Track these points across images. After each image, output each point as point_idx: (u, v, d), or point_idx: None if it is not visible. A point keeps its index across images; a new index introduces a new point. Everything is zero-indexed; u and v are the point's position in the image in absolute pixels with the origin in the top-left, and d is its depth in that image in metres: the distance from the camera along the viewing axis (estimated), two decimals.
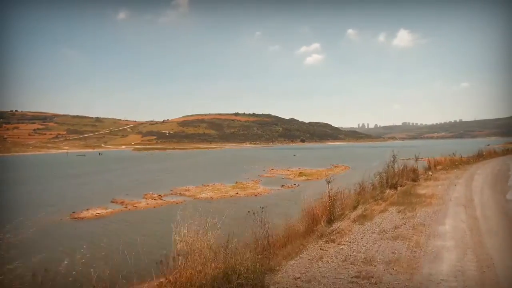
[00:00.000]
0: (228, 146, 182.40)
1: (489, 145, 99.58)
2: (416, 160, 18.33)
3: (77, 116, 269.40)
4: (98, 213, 18.90)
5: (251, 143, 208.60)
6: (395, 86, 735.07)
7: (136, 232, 14.17)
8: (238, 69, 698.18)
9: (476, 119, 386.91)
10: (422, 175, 17.63)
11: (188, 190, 25.98)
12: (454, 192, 12.56)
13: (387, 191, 12.50)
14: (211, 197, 22.90)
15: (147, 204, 21.21)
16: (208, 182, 29.89)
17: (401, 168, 16.18)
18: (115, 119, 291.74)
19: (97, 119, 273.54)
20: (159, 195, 24.29)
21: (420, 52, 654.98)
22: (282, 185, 28.04)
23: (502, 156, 32.54)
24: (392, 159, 15.11)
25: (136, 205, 20.99)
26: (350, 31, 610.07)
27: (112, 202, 22.43)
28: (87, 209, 19.72)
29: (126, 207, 20.51)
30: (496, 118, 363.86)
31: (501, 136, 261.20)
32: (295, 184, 28.63)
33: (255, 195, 23.53)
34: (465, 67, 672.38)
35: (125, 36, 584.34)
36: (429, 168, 20.67)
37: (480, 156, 29.93)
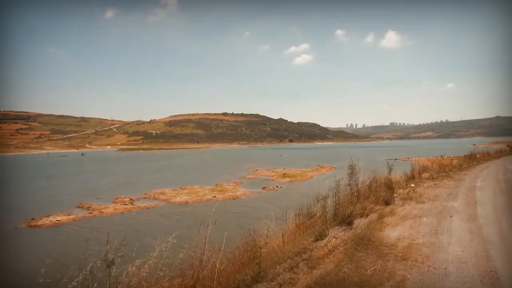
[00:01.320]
0: (216, 146, 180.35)
1: (474, 145, 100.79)
2: (390, 170, 12.57)
3: (62, 116, 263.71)
4: (58, 220, 17.25)
5: (239, 143, 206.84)
6: (383, 86, 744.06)
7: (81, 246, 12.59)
8: (227, 69, 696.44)
9: (462, 119, 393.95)
10: (400, 190, 11.78)
11: (164, 194, 24.45)
12: (450, 235, 6.36)
13: (329, 235, 6.60)
14: (186, 201, 21.43)
15: (115, 209, 19.58)
16: (187, 185, 28.42)
17: (369, 181, 10.47)
18: (101, 119, 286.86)
19: (83, 119, 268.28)
20: (131, 199, 22.71)
21: (408, 53, 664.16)
22: (264, 187, 26.72)
23: (497, 158, 27.97)
24: (352, 165, 9.58)
25: (102, 210, 19.37)
26: (339, 31, 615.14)
27: (78, 207, 20.83)
28: (48, 216, 18.12)
29: (91, 213, 18.87)
30: (480, 118, 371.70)
31: (486, 136, 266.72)
32: (277, 186, 27.34)
33: (234, 199, 22.14)
34: (451, 68, 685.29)
35: (112, 35, 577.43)
36: (412, 177, 15.35)
37: (472, 159, 25.18)
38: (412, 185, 12.85)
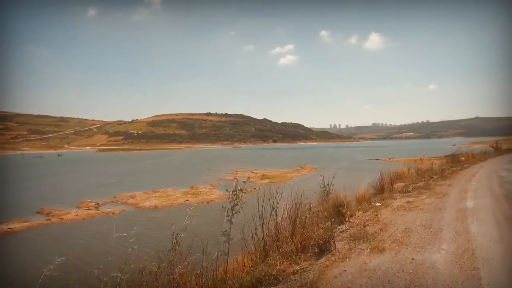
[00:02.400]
0: (199, 146, 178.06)
1: (454, 145, 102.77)
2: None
3: (40, 116, 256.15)
4: (10, 228, 15.74)
5: (223, 143, 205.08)
6: (367, 87, 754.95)
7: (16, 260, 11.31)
8: (211, 69, 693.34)
9: (442, 120, 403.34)
10: (358, 214, 8.25)
11: (134, 197, 23.07)
12: None
13: None
14: (155, 206, 20.13)
15: (76, 215, 18.13)
16: (161, 187, 27.09)
17: (308, 206, 6.95)
18: (80, 119, 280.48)
19: (62, 119, 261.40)
20: (97, 203, 21.25)
21: (390, 55, 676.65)
22: (241, 190, 25.58)
23: (483, 161, 24.31)
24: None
25: (63, 217, 17.90)
26: (323, 32, 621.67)
27: (38, 213, 19.28)
28: (2, 223, 16.52)
29: (49, 220, 17.39)
30: (460, 119, 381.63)
31: (465, 136, 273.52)
32: (255, 188, 26.15)
33: (207, 202, 20.98)
34: (432, 70, 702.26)
35: (94, 33, 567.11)
36: (381, 189, 12.23)
37: (456, 162, 22.04)
38: (377, 203, 9.34)
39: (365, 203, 9.60)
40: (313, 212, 6.97)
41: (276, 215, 6.05)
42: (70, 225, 16.58)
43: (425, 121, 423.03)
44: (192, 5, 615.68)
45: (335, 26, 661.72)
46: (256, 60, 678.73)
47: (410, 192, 11.16)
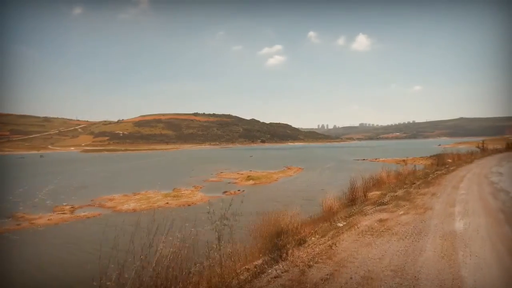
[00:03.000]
0: (186, 147, 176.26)
1: (440, 145, 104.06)
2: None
3: (23, 116, 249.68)
4: None
5: (210, 144, 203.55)
6: (354, 88, 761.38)
7: None
8: (199, 69, 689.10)
9: (428, 120, 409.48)
10: (311, 241, 6.11)
11: (112, 200, 22.20)
12: None
13: None
14: (133, 209, 19.31)
15: (49, 220, 17.21)
16: (141, 189, 26.20)
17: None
18: (65, 119, 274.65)
19: (45, 119, 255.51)
20: (73, 207, 20.34)
21: (377, 56, 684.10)
22: (225, 192, 24.99)
23: (470, 163, 22.27)
24: None
25: (34, 221, 16.98)
26: (311, 33, 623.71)
27: (9, 217, 18.19)
28: None
29: (19, 225, 16.41)
30: (445, 119, 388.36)
31: (450, 136, 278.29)
32: (239, 190, 25.68)
33: (188, 205, 20.27)
34: (418, 72, 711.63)
35: (80, 32, 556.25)
36: (351, 200, 10.11)
37: (441, 164, 20.24)
38: (340, 224, 7.17)
39: (325, 223, 7.36)
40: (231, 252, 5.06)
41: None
42: (41, 230, 15.67)
43: (411, 122, 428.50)
44: (181, 5, 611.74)
45: (323, 27, 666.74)
46: (244, 60, 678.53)
47: (386, 205, 8.97)
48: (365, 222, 7.32)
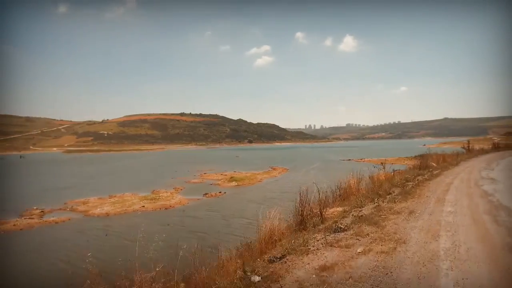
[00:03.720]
0: (172, 147, 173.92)
1: (424, 145, 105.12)
2: None
3: (4, 116, 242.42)
4: None
5: (197, 144, 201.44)
6: (341, 89, 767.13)
7: None
8: (186, 68, 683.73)
9: (413, 120, 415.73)
10: None
11: (86, 203, 21.15)
12: None
13: None
14: (106, 213, 18.37)
15: (14, 225, 16.17)
16: (119, 192, 25.22)
17: None
18: (48, 119, 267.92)
19: (28, 119, 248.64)
20: (42, 211, 19.28)
21: (364, 57, 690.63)
22: (205, 194, 24.16)
23: (456, 165, 19.60)
24: None
25: None
26: (298, 34, 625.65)
27: None
28: None
29: None
30: (430, 120, 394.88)
31: (435, 136, 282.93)
32: (220, 192, 24.90)
33: (166, 208, 19.44)
34: (403, 73, 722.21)
35: (64, 31, 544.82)
36: (299, 224, 7.52)
37: (424, 167, 17.40)
38: (257, 278, 4.49)
39: (236, 272, 4.80)
40: None
41: None
42: (1, 237, 14.61)
43: (396, 122, 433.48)
44: (168, 4, 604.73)
45: (311, 28, 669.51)
46: (232, 60, 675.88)
47: (343, 231, 6.43)
48: (299, 271, 4.67)
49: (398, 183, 11.99)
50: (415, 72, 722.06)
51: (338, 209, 9.21)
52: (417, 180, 12.90)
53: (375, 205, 8.64)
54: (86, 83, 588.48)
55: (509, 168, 17.53)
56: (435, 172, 15.50)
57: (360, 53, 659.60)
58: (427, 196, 9.69)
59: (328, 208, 8.77)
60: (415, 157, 47.68)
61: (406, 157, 47.79)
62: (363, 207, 8.59)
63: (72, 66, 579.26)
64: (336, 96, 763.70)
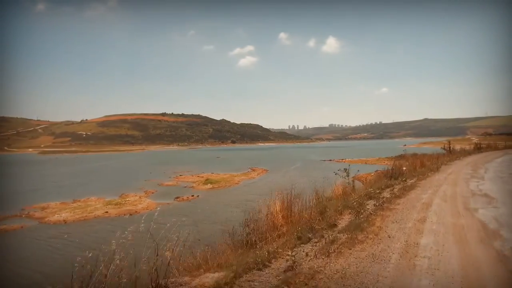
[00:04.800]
0: (153, 148, 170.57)
1: (405, 145, 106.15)
2: None
3: None
4: None
5: (178, 144, 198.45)
6: (324, 89, 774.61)
7: None
8: (169, 68, 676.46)
9: (394, 121, 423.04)
10: None
11: (46, 209, 19.65)
12: None
13: None
14: (64, 220, 16.95)
15: None
16: (85, 195, 23.70)
17: None
18: (25, 118, 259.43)
19: (3, 119, 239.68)
20: None
21: (346, 58, 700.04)
22: (177, 197, 22.95)
23: (436, 171, 15.60)
24: None
25: None
26: (282, 34, 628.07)
27: None
28: None
29: None
30: (410, 120, 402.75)
31: (415, 136, 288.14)
32: (193, 195, 23.72)
33: (130, 214, 18.08)
34: (384, 74, 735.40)
35: (43, 29, 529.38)
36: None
37: (397, 174, 13.25)
38: None
39: None
40: None
41: None
42: None
43: (378, 123, 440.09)
44: (150, 3, 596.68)
45: (294, 28, 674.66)
46: (215, 60, 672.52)
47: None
48: None
49: (354, 203, 7.95)
50: (396, 73, 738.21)
51: (276, 243, 5.54)
52: (382, 197, 9.06)
53: (288, 264, 4.38)
54: (65, 82, 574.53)
55: (501, 176, 13.66)
56: (409, 182, 11.69)
57: (343, 54, 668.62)
58: (388, 237, 5.52)
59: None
60: (395, 157, 47.78)
61: (387, 157, 47.70)
62: (267, 266, 4.42)
63: (51, 65, 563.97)
64: (320, 96, 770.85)
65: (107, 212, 18.25)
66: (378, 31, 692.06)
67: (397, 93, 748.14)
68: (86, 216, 17.54)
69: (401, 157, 26.51)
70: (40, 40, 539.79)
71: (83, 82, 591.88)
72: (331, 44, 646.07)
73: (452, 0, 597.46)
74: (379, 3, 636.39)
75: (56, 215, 17.67)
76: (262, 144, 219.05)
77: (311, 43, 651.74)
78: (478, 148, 34.67)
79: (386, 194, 9.58)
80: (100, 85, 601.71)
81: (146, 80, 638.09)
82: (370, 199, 8.80)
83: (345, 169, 10.64)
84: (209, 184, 28.50)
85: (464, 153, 29.42)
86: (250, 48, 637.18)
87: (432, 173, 14.74)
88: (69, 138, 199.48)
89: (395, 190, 10.17)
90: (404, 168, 14.51)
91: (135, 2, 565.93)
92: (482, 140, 58.05)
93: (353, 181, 11.05)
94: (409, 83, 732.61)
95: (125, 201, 20.95)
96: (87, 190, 26.85)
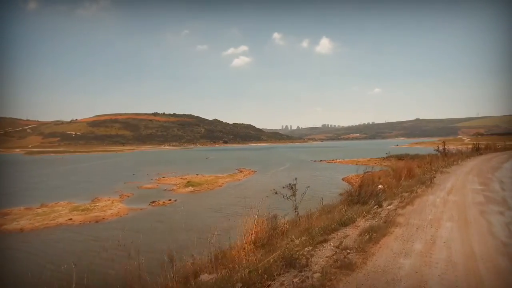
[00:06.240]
0: (143, 148, 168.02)
1: (397, 145, 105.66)
2: None
3: None
4: None
5: (170, 144, 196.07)
6: (317, 90, 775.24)
7: None
8: (161, 68, 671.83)
9: (386, 121, 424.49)
10: None
11: (7, 215, 18.32)
12: None
13: None
14: (21, 229, 15.53)
15: None
16: (55, 199, 22.15)
17: None
18: (13, 118, 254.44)
19: None
20: None
21: (340, 59, 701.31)
22: (152, 202, 21.56)
23: (429, 187, 10.41)
24: None
25: None
26: (276, 34, 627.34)
27: None
28: None
29: None
30: (403, 120, 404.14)
31: (407, 137, 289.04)
32: (170, 200, 22.36)
33: (96, 221, 16.74)
34: (377, 75, 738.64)
35: (34, 28, 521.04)
36: None
37: (367, 195, 8.44)
38: None
39: None
40: None
41: None
42: None
43: (370, 123, 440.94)
44: (144, 2, 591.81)
45: (288, 29, 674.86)
46: (209, 60, 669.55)
47: None
48: None
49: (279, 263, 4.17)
50: (389, 74, 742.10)
51: None
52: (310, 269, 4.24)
53: None
54: (56, 81, 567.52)
55: None
56: (384, 213, 7.12)
57: (336, 55, 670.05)
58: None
59: None
60: (387, 157, 46.89)
61: (378, 158, 46.78)
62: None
63: (42, 64, 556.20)
64: (313, 97, 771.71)
65: (71, 219, 16.81)
66: (371, 32, 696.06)
67: (389, 94, 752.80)
68: (47, 223, 16.08)
69: (387, 160, 24.97)
70: (31, 39, 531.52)
71: (74, 82, 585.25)
72: (325, 44, 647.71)
73: (444, 1, 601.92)
74: (372, 4, 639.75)
75: (14, 223, 16.20)
76: (254, 144, 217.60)
77: (305, 43, 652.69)
78: (476, 149, 30.34)
79: (327, 251, 4.79)
80: (91, 84, 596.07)
81: (139, 80, 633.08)
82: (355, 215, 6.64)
83: (291, 185, 7.02)
84: (190, 187, 27.09)
85: (462, 156, 24.54)
86: (244, 48, 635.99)
87: (422, 190, 9.94)
88: (58, 138, 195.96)
89: (352, 235, 5.57)
90: (380, 187, 9.63)
91: (128, 1, 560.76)
92: (473, 140, 57.19)
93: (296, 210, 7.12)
94: (402, 84, 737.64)
95: (95, 206, 19.47)
96: (61, 193, 25.35)
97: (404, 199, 8.49)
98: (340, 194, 11.64)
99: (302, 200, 7.21)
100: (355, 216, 6.67)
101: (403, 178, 12.12)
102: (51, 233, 14.82)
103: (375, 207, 7.52)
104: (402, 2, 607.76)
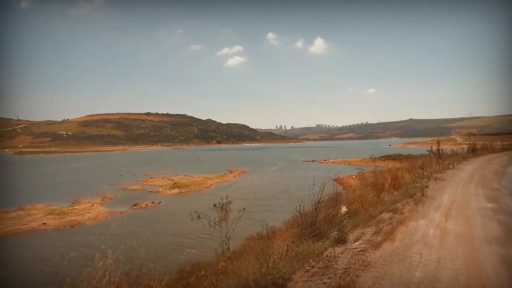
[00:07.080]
0: (136, 148, 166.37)
1: (390, 145, 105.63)
2: None
3: None
4: None
5: (163, 144, 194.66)
6: (312, 90, 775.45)
7: None
8: (155, 67, 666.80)
9: (380, 121, 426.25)
10: None
11: None
12: None
13: None
14: None
15: None
16: (33, 202, 21.27)
17: None
18: (4, 118, 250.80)
19: None
20: None
21: (334, 60, 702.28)
22: (134, 205, 20.78)
23: (420, 205, 7.50)
24: None
25: None
26: (270, 34, 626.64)
27: None
28: None
29: None
30: (396, 120, 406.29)
31: (401, 137, 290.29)
32: (153, 202, 21.61)
33: (72, 226, 15.89)
34: (371, 75, 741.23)
35: (27, 26, 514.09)
36: None
37: (323, 227, 5.74)
38: None
39: None
40: None
41: None
42: None
43: (364, 123, 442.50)
44: (138, 2, 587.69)
45: (282, 29, 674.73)
46: (203, 60, 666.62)
47: None
48: None
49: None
50: (382, 74, 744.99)
51: None
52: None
53: None
54: (48, 81, 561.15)
55: None
56: (339, 265, 4.19)
57: (330, 55, 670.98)
58: None
59: None
60: (380, 158, 46.87)
61: (370, 158, 46.45)
62: None
63: (34, 64, 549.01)
64: (307, 97, 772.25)
65: (45, 223, 15.97)
66: (365, 32, 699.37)
67: (383, 94, 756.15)
68: (18, 228, 15.23)
69: (379, 160, 24.47)
70: (23, 38, 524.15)
71: (67, 81, 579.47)
72: (319, 45, 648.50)
73: (438, 2, 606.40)
74: (366, 5, 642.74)
75: None
76: (248, 144, 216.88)
77: (299, 43, 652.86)
78: (472, 150, 28.13)
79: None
80: (84, 84, 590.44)
81: (132, 80, 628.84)
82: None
83: (223, 205, 5.98)
84: (176, 189, 26.31)
85: (457, 157, 22.33)
86: (238, 48, 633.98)
87: (410, 208, 7.31)
88: (49, 138, 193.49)
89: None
90: (344, 210, 7.26)
91: (122, 1, 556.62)
92: (466, 140, 56.94)
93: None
94: (396, 84, 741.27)
95: (72, 209, 18.62)
96: (42, 196, 24.47)
97: (382, 227, 5.83)
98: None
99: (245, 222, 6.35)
100: (290, 270, 3.93)
101: (386, 188, 9.47)
102: (20, 239, 13.99)
103: (332, 246, 4.96)
104: (396, 3, 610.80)
